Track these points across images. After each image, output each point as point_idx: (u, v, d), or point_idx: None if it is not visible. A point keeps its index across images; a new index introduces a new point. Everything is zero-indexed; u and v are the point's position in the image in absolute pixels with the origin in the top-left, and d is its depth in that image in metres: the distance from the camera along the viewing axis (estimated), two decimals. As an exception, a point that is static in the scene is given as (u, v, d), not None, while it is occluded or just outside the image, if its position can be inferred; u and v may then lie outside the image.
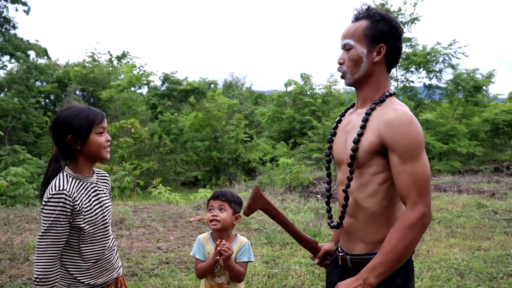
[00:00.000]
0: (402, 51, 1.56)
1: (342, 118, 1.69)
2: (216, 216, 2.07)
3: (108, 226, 1.80)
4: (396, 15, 17.59)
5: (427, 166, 1.40)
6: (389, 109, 1.44)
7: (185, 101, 21.66)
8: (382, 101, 1.50)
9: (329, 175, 1.77)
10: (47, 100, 23.77)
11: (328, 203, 1.76)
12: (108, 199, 1.84)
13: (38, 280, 1.60)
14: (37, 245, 1.62)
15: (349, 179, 1.53)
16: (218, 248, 1.97)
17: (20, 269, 3.94)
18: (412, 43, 17.96)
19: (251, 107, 26.84)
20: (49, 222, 1.60)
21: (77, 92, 21.63)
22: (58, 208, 1.61)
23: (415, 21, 17.67)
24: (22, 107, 19.53)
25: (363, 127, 1.48)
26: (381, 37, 1.48)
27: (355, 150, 1.48)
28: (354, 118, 1.58)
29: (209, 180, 20.28)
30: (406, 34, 17.99)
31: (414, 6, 17.46)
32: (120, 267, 1.91)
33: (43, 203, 1.63)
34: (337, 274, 1.62)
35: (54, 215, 1.60)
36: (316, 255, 1.80)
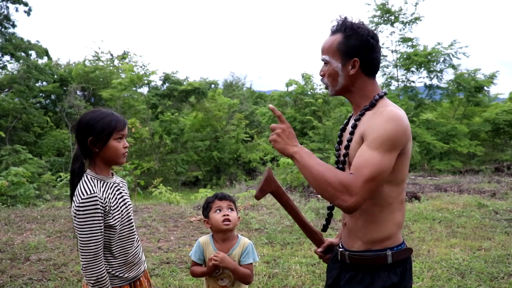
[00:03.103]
0: (380, 59, 1.60)
1: (346, 126, 1.72)
2: (228, 215, 2.06)
3: (132, 222, 1.87)
4: (397, 15, 17.58)
5: (385, 163, 1.38)
6: (379, 110, 1.48)
7: (186, 101, 21.66)
8: (372, 105, 1.53)
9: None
10: (48, 100, 23.78)
11: (330, 208, 1.79)
12: (129, 198, 1.90)
13: (96, 285, 1.67)
14: (82, 252, 1.66)
15: None
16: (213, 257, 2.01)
17: (20, 269, 3.94)
18: (414, 43, 17.94)
19: (251, 107, 26.85)
20: (88, 227, 1.65)
21: (78, 92, 21.63)
22: (93, 212, 1.65)
23: (417, 21, 17.65)
24: (22, 107, 19.55)
25: (351, 133, 1.54)
26: (353, 51, 1.52)
27: (345, 155, 1.56)
28: (350, 125, 1.62)
29: (210, 180, 20.31)
30: (407, 34, 18.02)
31: (415, 6, 17.45)
32: (145, 261, 1.98)
33: (76, 209, 1.66)
34: (337, 269, 1.66)
35: (90, 220, 1.65)
36: (320, 246, 1.83)
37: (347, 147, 1.55)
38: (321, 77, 1.63)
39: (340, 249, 1.65)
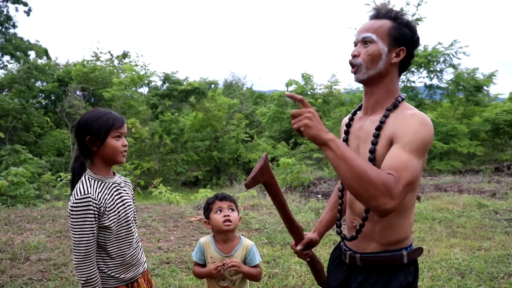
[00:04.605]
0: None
1: (351, 122, 1.64)
2: (229, 216, 2.06)
3: (130, 223, 1.85)
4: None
5: (419, 168, 1.34)
6: (406, 112, 1.42)
7: (186, 101, 21.69)
8: (395, 106, 1.47)
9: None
10: (47, 100, 23.80)
11: (340, 212, 1.71)
12: (129, 199, 1.88)
13: (86, 285, 1.67)
14: (75, 252, 1.67)
15: None
16: (225, 266, 2.02)
17: (20, 269, 3.94)
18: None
19: (251, 107, 26.85)
20: (79, 227, 1.65)
21: (78, 92, 21.64)
22: (85, 213, 1.65)
23: (418, 22, 17.62)
24: (22, 107, 19.55)
25: (377, 136, 1.44)
26: (403, 40, 1.47)
27: (371, 159, 1.44)
28: (367, 125, 1.52)
29: (210, 180, 20.31)
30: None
31: (417, 6, 17.42)
32: (145, 262, 1.97)
33: (69, 209, 1.67)
34: (343, 273, 1.61)
35: (82, 220, 1.65)
36: (299, 242, 1.76)
37: (372, 151, 1.44)
38: (352, 57, 1.50)
39: (348, 252, 1.59)
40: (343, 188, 1.71)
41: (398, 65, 1.49)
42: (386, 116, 1.45)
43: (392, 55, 1.46)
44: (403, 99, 1.50)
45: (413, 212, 1.53)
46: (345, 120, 1.69)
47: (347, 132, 1.63)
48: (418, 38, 1.49)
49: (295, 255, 4.37)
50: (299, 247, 1.75)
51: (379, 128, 1.44)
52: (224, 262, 2.04)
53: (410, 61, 1.51)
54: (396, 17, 1.48)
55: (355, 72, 1.50)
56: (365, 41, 1.48)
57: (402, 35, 1.46)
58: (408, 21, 1.48)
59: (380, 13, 1.50)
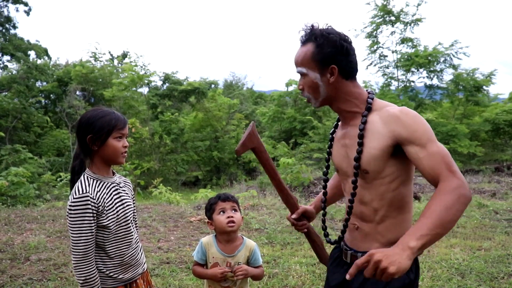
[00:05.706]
0: (357, 60, 1.54)
1: (333, 134, 1.69)
2: (232, 217, 2.05)
3: (129, 223, 1.84)
4: (397, 15, 17.57)
5: (442, 145, 1.39)
6: (389, 109, 1.44)
7: (186, 101, 21.67)
8: (369, 109, 1.49)
9: (325, 194, 1.79)
10: (47, 100, 23.80)
11: (324, 222, 1.79)
12: (129, 199, 1.87)
13: (84, 284, 1.67)
14: (73, 251, 1.66)
15: (353, 195, 1.55)
16: (232, 271, 2.03)
17: (20, 269, 3.94)
18: (414, 43, 17.94)
19: (251, 107, 26.85)
20: (77, 226, 1.64)
21: (78, 92, 21.62)
22: (83, 212, 1.65)
23: (418, 22, 17.63)
24: (22, 107, 19.54)
25: (360, 144, 1.48)
26: (329, 59, 1.47)
27: (357, 167, 1.49)
28: (350, 131, 1.55)
29: (210, 180, 20.30)
30: (408, 35, 18.00)
31: (417, 7, 17.42)
32: (145, 263, 1.96)
33: (68, 208, 1.66)
34: (343, 272, 1.60)
35: (80, 219, 1.64)
36: (294, 212, 1.82)
37: (357, 159, 1.48)
38: (301, 91, 1.59)
39: (349, 251, 1.60)
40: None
41: (340, 78, 1.50)
42: (364, 123, 1.48)
43: (327, 76, 1.49)
44: (373, 98, 1.52)
45: (412, 207, 1.54)
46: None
47: (330, 146, 1.68)
48: (343, 47, 1.47)
49: (295, 255, 4.38)
50: (294, 216, 1.81)
51: (361, 137, 1.48)
52: (230, 265, 2.03)
53: (352, 66, 1.51)
54: (315, 39, 1.48)
55: (309, 102, 1.59)
56: (301, 74, 1.55)
57: (325, 55, 1.47)
58: (327, 37, 1.47)
59: (304, 38, 1.53)
